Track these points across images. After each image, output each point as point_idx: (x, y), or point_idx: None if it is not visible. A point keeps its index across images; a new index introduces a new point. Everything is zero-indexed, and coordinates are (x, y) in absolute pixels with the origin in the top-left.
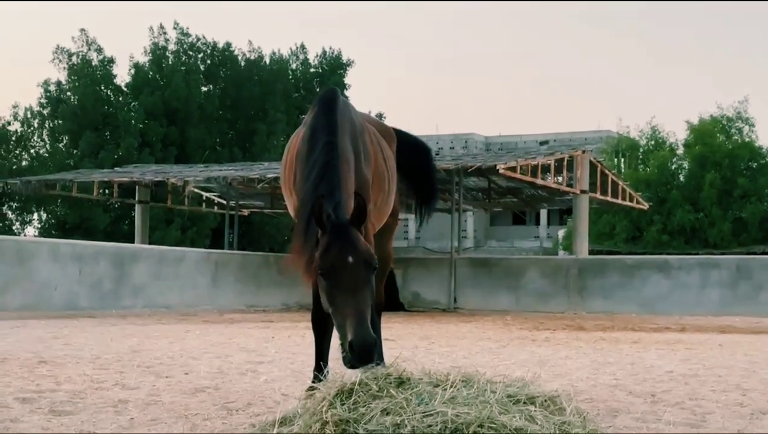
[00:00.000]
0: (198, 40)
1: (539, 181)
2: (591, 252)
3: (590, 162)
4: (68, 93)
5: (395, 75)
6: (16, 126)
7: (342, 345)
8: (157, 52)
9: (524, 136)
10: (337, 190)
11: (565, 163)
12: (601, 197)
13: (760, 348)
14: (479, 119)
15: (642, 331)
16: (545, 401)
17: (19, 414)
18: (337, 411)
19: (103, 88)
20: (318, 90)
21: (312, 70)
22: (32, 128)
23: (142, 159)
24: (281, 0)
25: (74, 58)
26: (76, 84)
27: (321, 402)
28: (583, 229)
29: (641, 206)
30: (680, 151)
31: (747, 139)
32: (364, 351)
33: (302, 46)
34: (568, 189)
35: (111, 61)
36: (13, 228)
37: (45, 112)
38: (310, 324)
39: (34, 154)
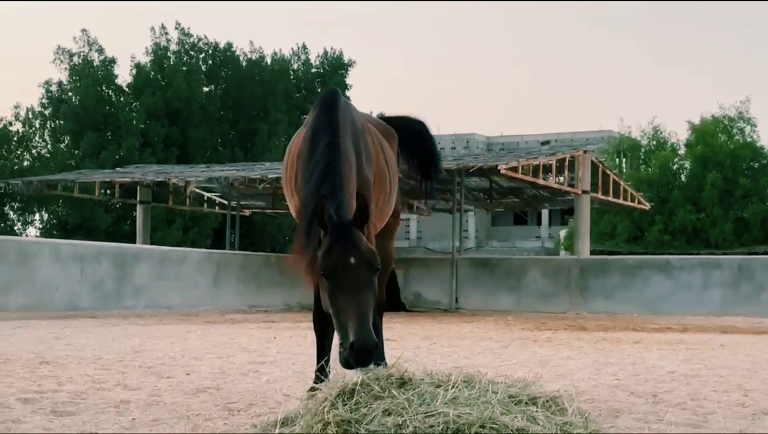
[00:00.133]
0: (199, 40)
1: (541, 181)
2: (592, 253)
3: (592, 162)
4: (69, 93)
5: (395, 75)
6: (17, 126)
7: (342, 343)
8: (159, 53)
9: (526, 136)
10: (340, 191)
11: (566, 163)
12: (603, 197)
13: (761, 349)
14: (480, 119)
15: (643, 331)
16: (547, 401)
17: (21, 414)
18: (338, 411)
19: (104, 88)
20: (319, 90)
21: (313, 70)
22: (34, 128)
23: (143, 159)
24: (282, 0)
25: (75, 59)
26: (78, 84)
27: (323, 403)
28: (584, 229)
29: (643, 206)
30: (682, 151)
31: (749, 139)
32: (364, 353)
33: (304, 47)
34: (569, 189)
35: (112, 61)
36: (15, 228)
37: (46, 112)
38: (311, 325)
39: (36, 155)
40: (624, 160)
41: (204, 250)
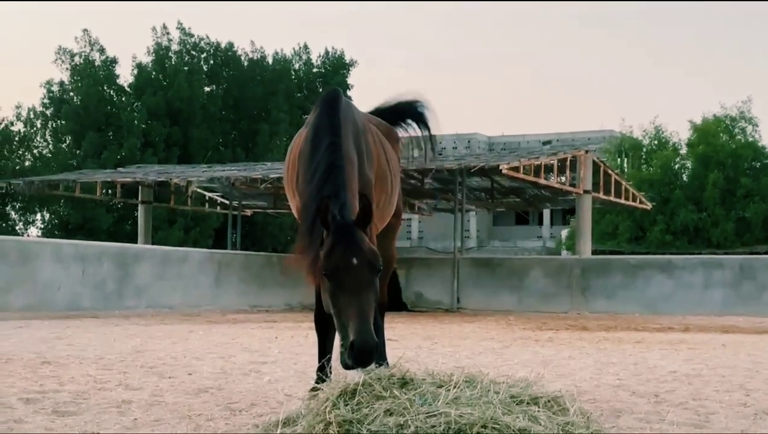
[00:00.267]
0: (201, 40)
1: (542, 181)
2: (594, 252)
3: (593, 162)
4: (71, 93)
5: (395, 75)
6: (19, 126)
7: (342, 344)
8: (160, 53)
9: (527, 136)
10: (342, 191)
11: (568, 162)
12: (604, 197)
13: (763, 348)
14: (481, 119)
15: (645, 331)
16: (548, 401)
17: (23, 414)
18: (340, 411)
19: (105, 88)
20: (321, 90)
21: (315, 70)
22: (35, 128)
23: (144, 159)
24: (283, 0)
25: (77, 59)
26: (79, 84)
27: (324, 403)
28: (586, 229)
29: (644, 206)
30: (683, 150)
31: (750, 139)
32: (364, 353)
33: (305, 46)
34: (571, 189)
35: (114, 61)
36: (16, 228)
37: (48, 112)
38: (313, 325)
39: (37, 155)
40: (625, 159)
41: (205, 250)
